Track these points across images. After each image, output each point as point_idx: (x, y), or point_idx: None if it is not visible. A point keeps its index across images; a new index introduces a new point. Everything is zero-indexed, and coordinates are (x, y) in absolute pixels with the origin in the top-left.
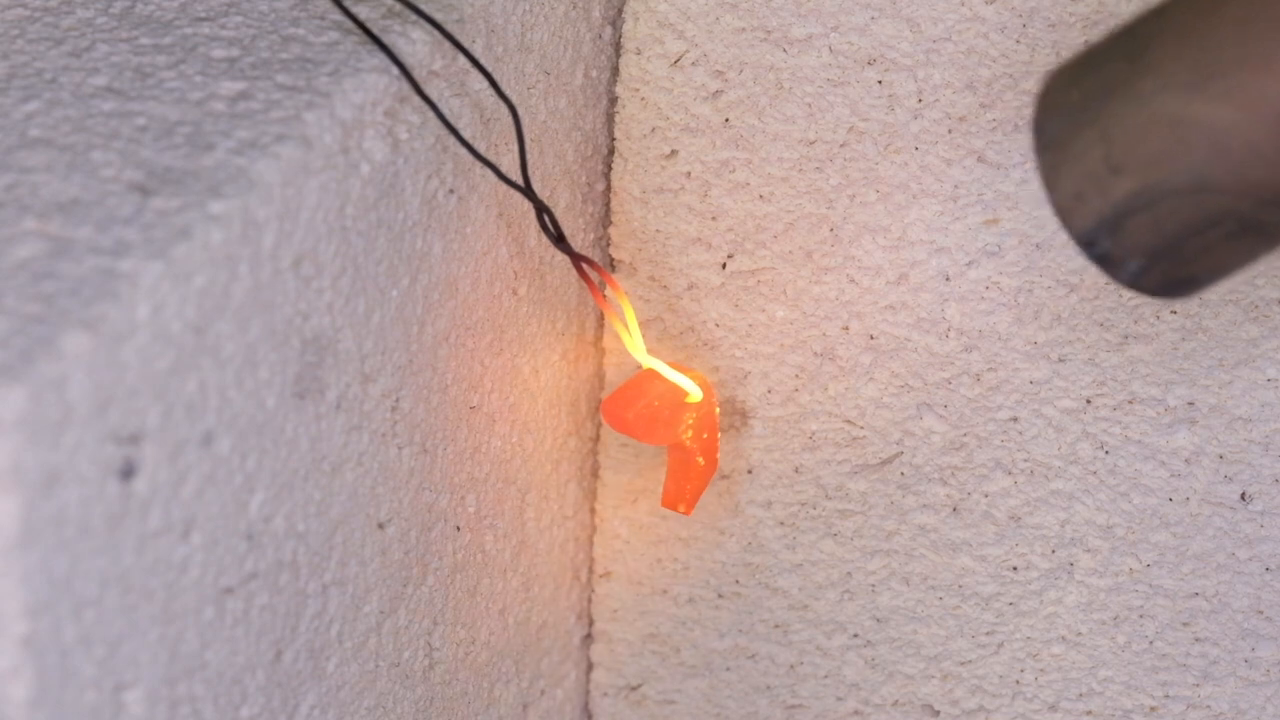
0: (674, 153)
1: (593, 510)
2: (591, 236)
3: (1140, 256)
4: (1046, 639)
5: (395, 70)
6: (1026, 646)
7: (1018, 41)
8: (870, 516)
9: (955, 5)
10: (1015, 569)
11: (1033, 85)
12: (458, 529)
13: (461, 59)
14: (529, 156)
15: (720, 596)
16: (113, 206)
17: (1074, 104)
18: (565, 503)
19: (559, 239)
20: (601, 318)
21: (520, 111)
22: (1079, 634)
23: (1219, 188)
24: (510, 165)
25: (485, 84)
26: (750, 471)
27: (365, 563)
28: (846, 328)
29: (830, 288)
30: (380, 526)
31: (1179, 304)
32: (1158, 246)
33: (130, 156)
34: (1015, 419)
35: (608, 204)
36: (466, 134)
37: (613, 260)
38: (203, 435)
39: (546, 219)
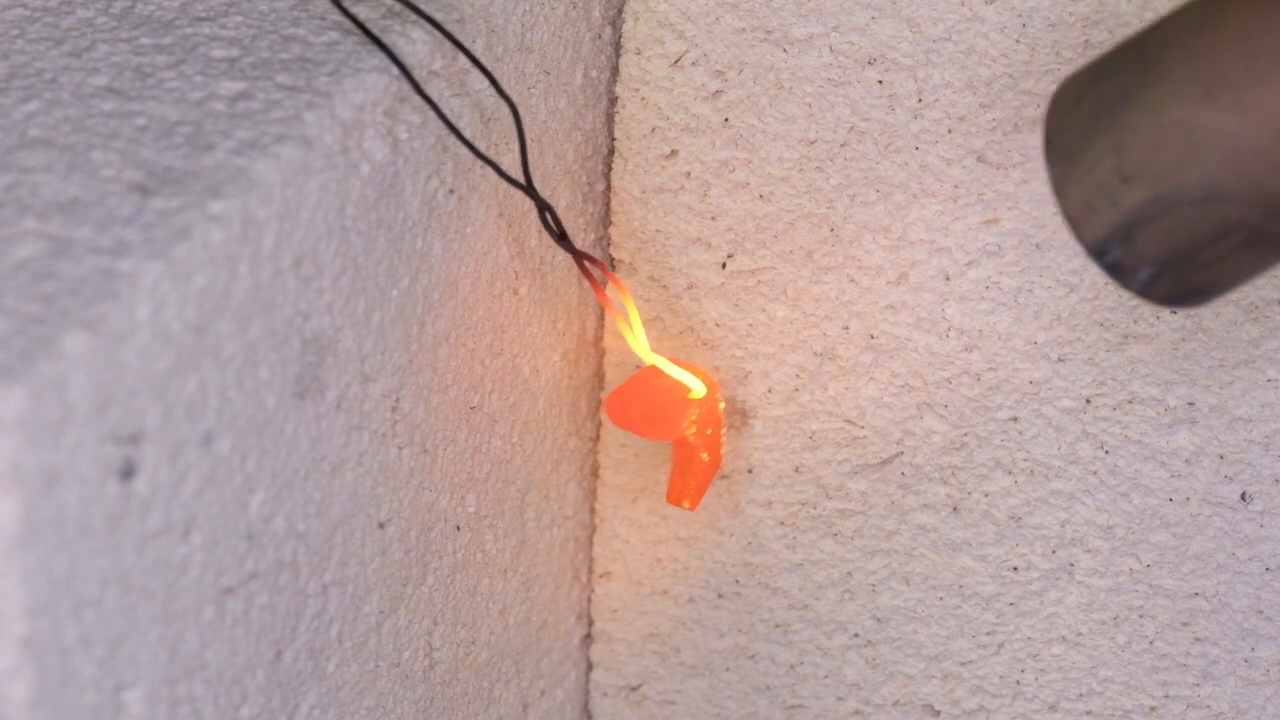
0: (674, 153)
1: (593, 510)
2: (592, 236)
3: (1151, 266)
4: (1047, 639)
5: (395, 70)
6: (1027, 646)
7: (1018, 41)
8: (870, 516)
9: (955, 5)
10: (1016, 569)
11: (1033, 85)
12: (458, 529)
13: (461, 59)
14: (529, 156)
15: (720, 596)
16: (113, 206)
17: (1085, 114)
18: (565, 503)
19: (561, 237)
20: (602, 317)
21: (520, 111)
22: (1079, 634)
23: (1230, 198)
24: (510, 165)
25: (485, 84)
26: (750, 471)
27: (365, 563)
28: (847, 327)
29: (830, 287)
30: (380, 526)
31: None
32: (1168, 256)
33: (130, 156)
34: (1015, 419)
35: (608, 204)
36: (467, 134)
37: (613, 260)
38: (203, 435)
39: (549, 217)
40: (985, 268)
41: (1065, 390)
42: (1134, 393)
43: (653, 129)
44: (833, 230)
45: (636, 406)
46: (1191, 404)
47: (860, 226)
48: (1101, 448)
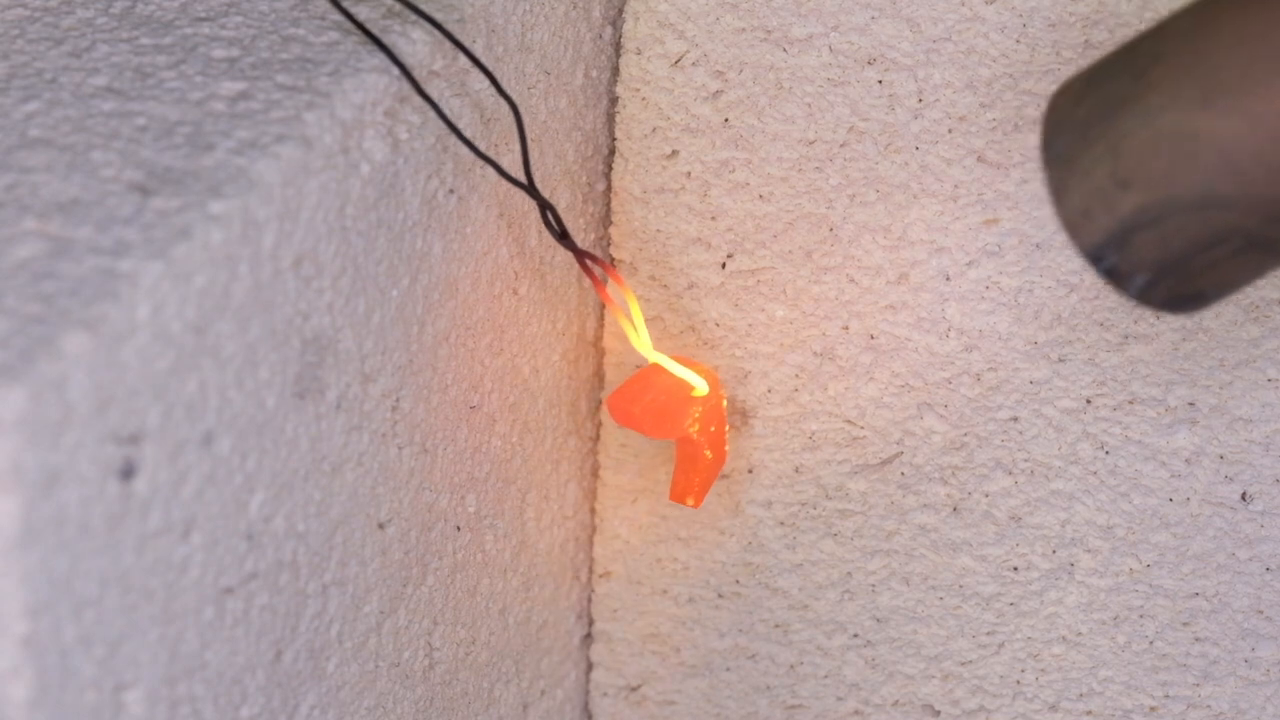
0: (674, 153)
1: (593, 510)
2: (592, 236)
3: (1147, 271)
4: (1047, 639)
5: (395, 70)
6: (1027, 646)
7: (1018, 41)
8: (870, 516)
9: (955, 5)
10: (1016, 569)
11: (1033, 85)
12: (458, 529)
13: (462, 59)
14: (529, 156)
15: (720, 596)
16: (113, 206)
17: (1081, 120)
18: (565, 503)
19: (562, 235)
20: (602, 318)
21: (521, 110)
22: (1079, 634)
23: (1226, 203)
24: (510, 165)
25: (485, 84)
26: (750, 471)
27: (365, 563)
28: (846, 327)
29: (830, 287)
30: (380, 526)
31: None
32: (1165, 262)
33: (130, 156)
34: (1015, 419)
35: (608, 204)
36: (467, 134)
37: (613, 260)
38: (203, 435)
39: (550, 216)
40: (985, 268)
41: (1065, 390)
42: (1134, 393)
43: (653, 129)
44: (832, 230)
45: (639, 405)
46: (1192, 404)
47: (860, 226)
48: (1102, 448)
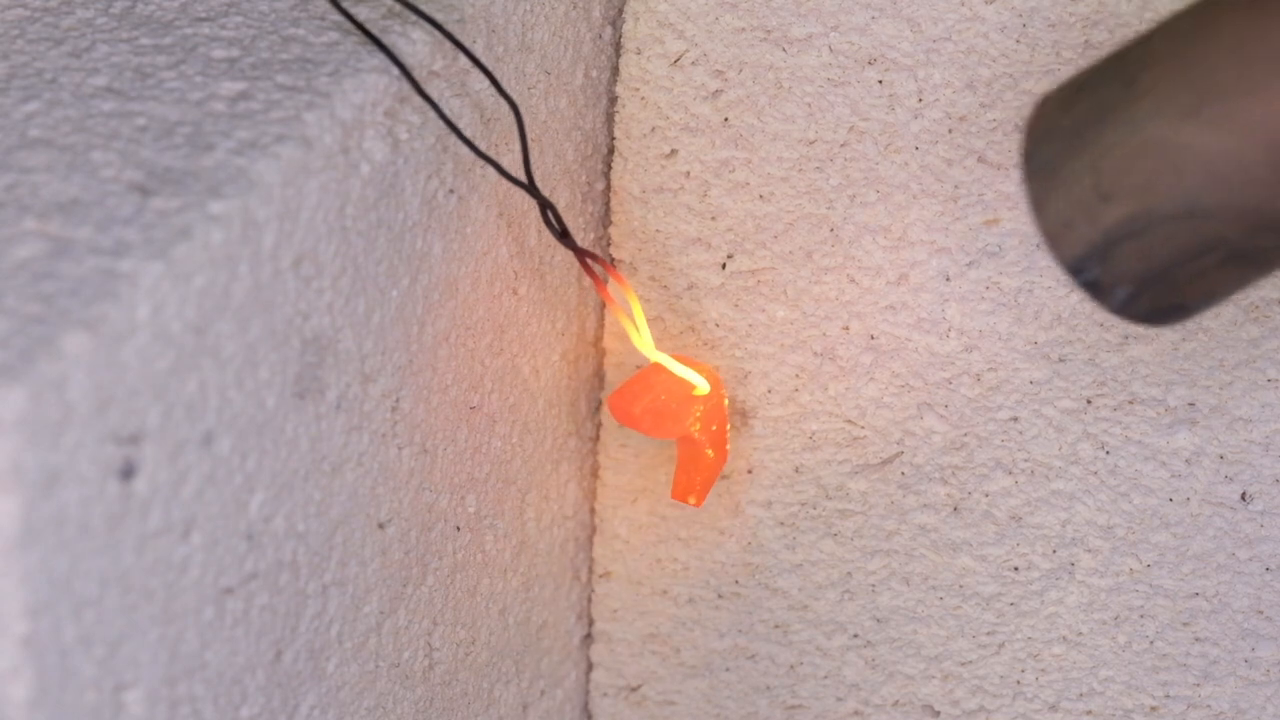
0: (674, 152)
1: (593, 510)
2: (591, 236)
3: (1129, 284)
4: (1047, 639)
5: (395, 70)
6: (1027, 646)
7: (1018, 41)
8: (870, 516)
9: (955, 5)
10: (1016, 569)
11: (1033, 85)
12: (458, 529)
13: (462, 59)
14: (530, 156)
15: (720, 596)
16: (113, 206)
17: (1064, 130)
18: (565, 503)
19: (563, 234)
20: (602, 318)
21: (521, 110)
22: (1080, 634)
23: (1211, 214)
24: (510, 165)
25: (486, 84)
26: (750, 471)
27: (365, 563)
28: (847, 328)
29: (830, 288)
30: (380, 526)
31: None
32: (1147, 274)
33: (130, 156)
34: (1015, 419)
35: (608, 203)
36: (467, 134)
37: (613, 260)
38: (203, 435)
39: (550, 215)
40: (985, 268)
41: (1066, 390)
42: (1134, 393)
43: (653, 129)
44: (833, 230)
45: (640, 405)
46: (1192, 404)
47: (860, 227)
48: (1102, 448)
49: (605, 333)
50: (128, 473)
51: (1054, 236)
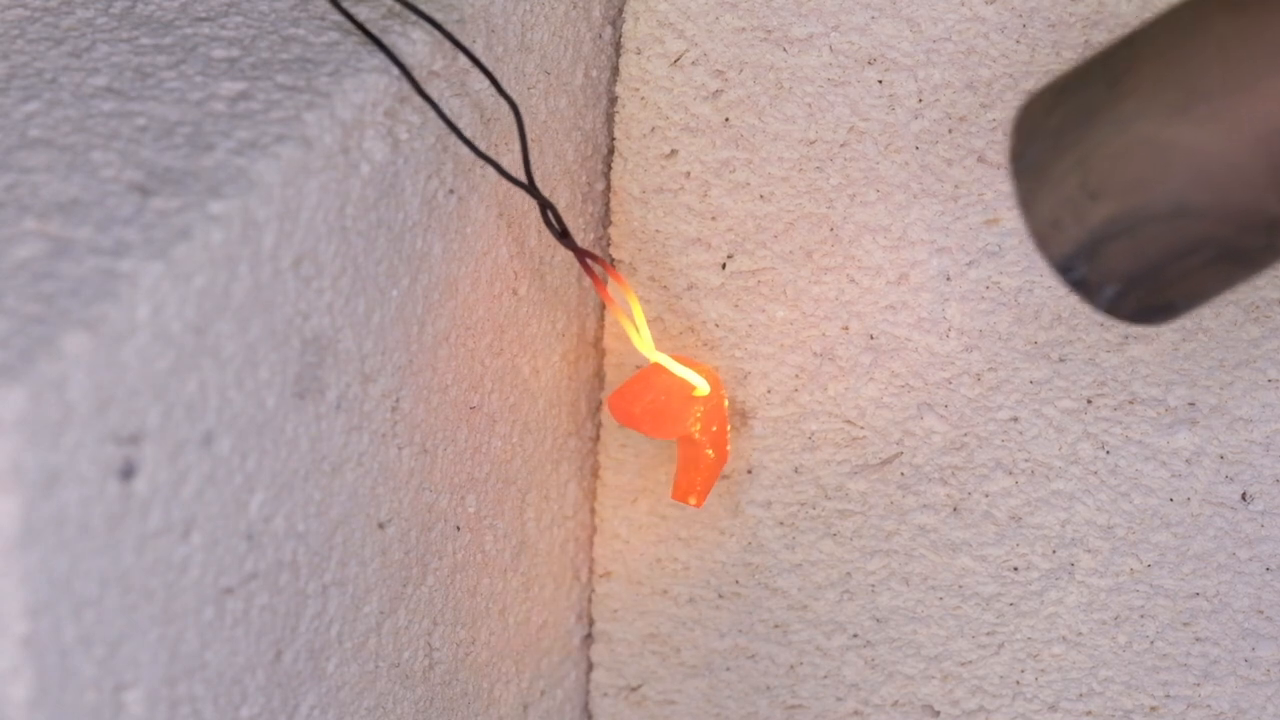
0: (674, 152)
1: (593, 510)
2: (591, 236)
3: (1117, 282)
4: (1047, 639)
5: (395, 70)
6: (1027, 647)
7: (1018, 41)
8: (870, 516)
9: (955, 5)
10: (1016, 569)
11: (1033, 85)
12: (458, 529)
13: (462, 59)
14: (529, 156)
15: (720, 596)
16: (113, 206)
17: (1052, 129)
18: (565, 503)
19: (563, 235)
20: (602, 318)
21: (521, 110)
22: (1079, 634)
23: (1199, 213)
24: (510, 165)
25: (485, 84)
26: (750, 471)
27: (365, 563)
28: (846, 328)
29: (830, 288)
30: (380, 526)
31: None
32: (1135, 272)
33: (130, 156)
34: (1016, 419)
35: (608, 204)
36: (467, 134)
37: (613, 260)
38: (203, 435)
39: (550, 215)
40: (985, 268)
41: (1066, 390)
42: (1135, 393)
43: (653, 129)
44: (833, 230)
45: (640, 405)
46: (1192, 404)
47: (860, 226)
48: (1102, 448)
49: (605, 333)
50: (128, 473)
51: (1042, 235)
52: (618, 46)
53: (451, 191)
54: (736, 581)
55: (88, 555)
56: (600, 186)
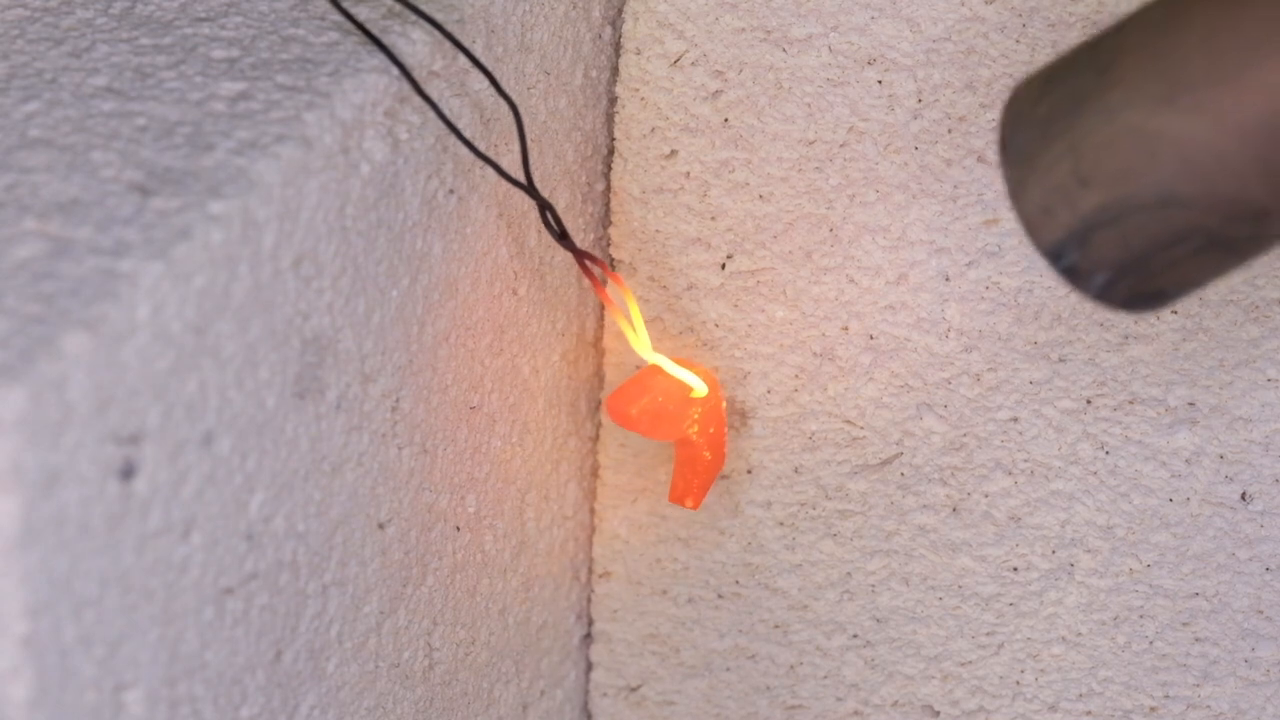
0: (674, 153)
1: (592, 510)
2: (591, 236)
3: (1107, 270)
4: (1047, 639)
5: (395, 70)
6: (1027, 647)
7: (1018, 41)
8: (870, 517)
9: (955, 5)
10: (1015, 569)
11: None
12: (457, 529)
13: (461, 59)
14: (529, 156)
15: (720, 597)
16: (113, 206)
17: (1041, 117)
18: (565, 503)
19: (562, 236)
20: (601, 318)
21: (521, 111)
22: (1079, 634)
23: (1187, 202)
24: (510, 165)
25: (485, 84)
26: (750, 471)
27: (365, 563)
28: (846, 328)
29: (830, 288)
30: (380, 527)
31: (1179, 304)
32: (1125, 261)
33: (130, 156)
34: (1015, 419)
35: (607, 204)
36: (467, 134)
37: (613, 260)
38: (203, 435)
39: (549, 216)
40: (985, 268)
41: (1065, 390)
42: (1134, 393)
43: (652, 129)
44: (832, 230)
45: (638, 406)
46: (1192, 404)
47: (860, 227)
48: (1102, 448)
49: (605, 333)
50: (128, 473)
51: (1033, 222)
52: (617, 47)
53: (451, 191)
54: (736, 581)
55: (88, 555)
56: (600, 187)
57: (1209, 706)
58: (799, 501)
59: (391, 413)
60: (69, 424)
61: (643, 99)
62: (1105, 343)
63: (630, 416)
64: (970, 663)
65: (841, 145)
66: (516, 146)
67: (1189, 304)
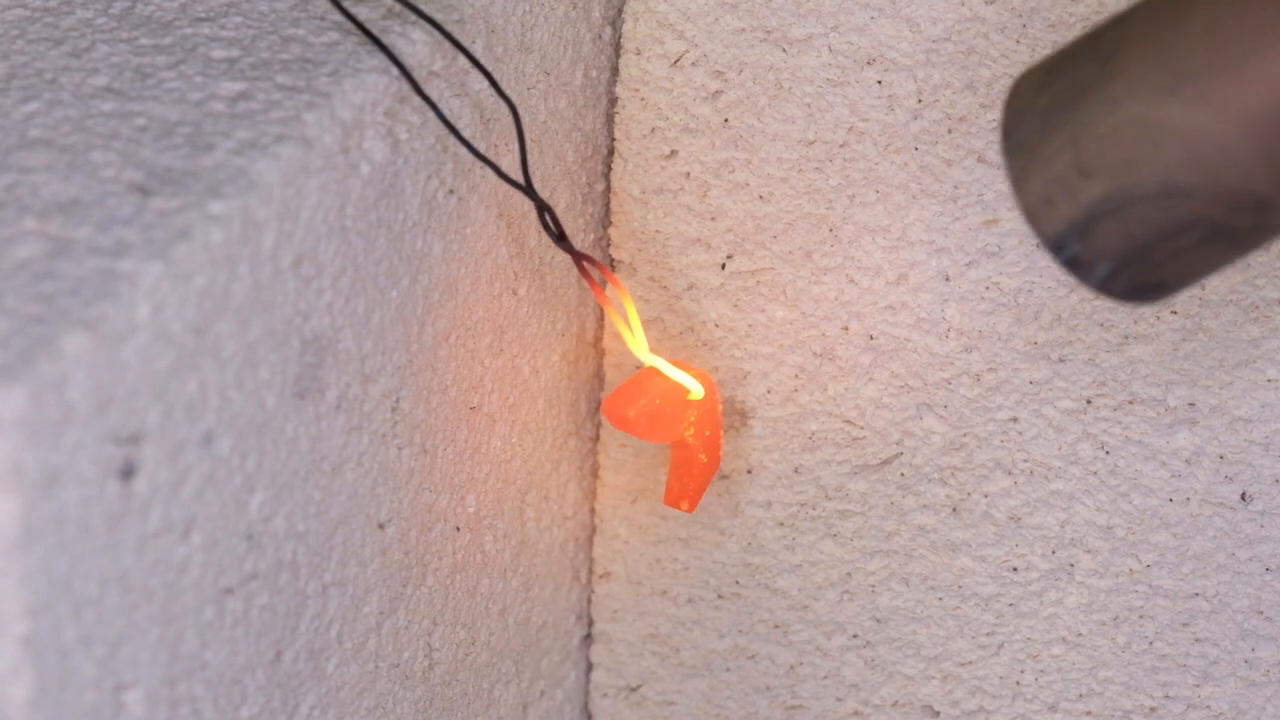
0: (674, 153)
1: (592, 511)
2: (591, 237)
3: (1109, 261)
4: (1046, 640)
5: (395, 71)
6: (1026, 647)
7: (1018, 41)
8: (870, 517)
9: (955, 5)
10: (1015, 570)
11: None
12: (457, 529)
13: (461, 59)
14: (529, 157)
15: (720, 597)
16: (113, 206)
17: (1043, 108)
18: (565, 503)
19: (560, 237)
20: (601, 318)
21: (520, 111)
22: (1079, 635)
23: (1189, 192)
24: (510, 165)
25: (485, 84)
26: (750, 472)
27: (365, 563)
28: (846, 328)
29: (830, 288)
30: (380, 527)
31: (1179, 304)
32: (1127, 251)
33: (130, 156)
34: (1015, 419)
35: (607, 204)
36: (466, 134)
37: (613, 260)
38: (203, 435)
39: (548, 217)
40: (985, 268)
41: (1065, 391)
42: (1134, 393)
43: (652, 129)
44: (832, 231)
45: (635, 408)
46: (1192, 404)
47: (860, 227)
48: (1102, 448)
49: (605, 333)
50: (128, 473)
51: (1035, 213)
52: (617, 47)
53: (451, 192)
54: (736, 582)
55: (88, 555)
56: (600, 187)
57: (1209, 707)
58: (799, 502)
59: (391, 413)
60: (69, 424)
61: (643, 99)
62: (1105, 343)
63: (627, 419)
64: (970, 663)
65: (841, 145)
66: (516, 147)
67: (1189, 304)
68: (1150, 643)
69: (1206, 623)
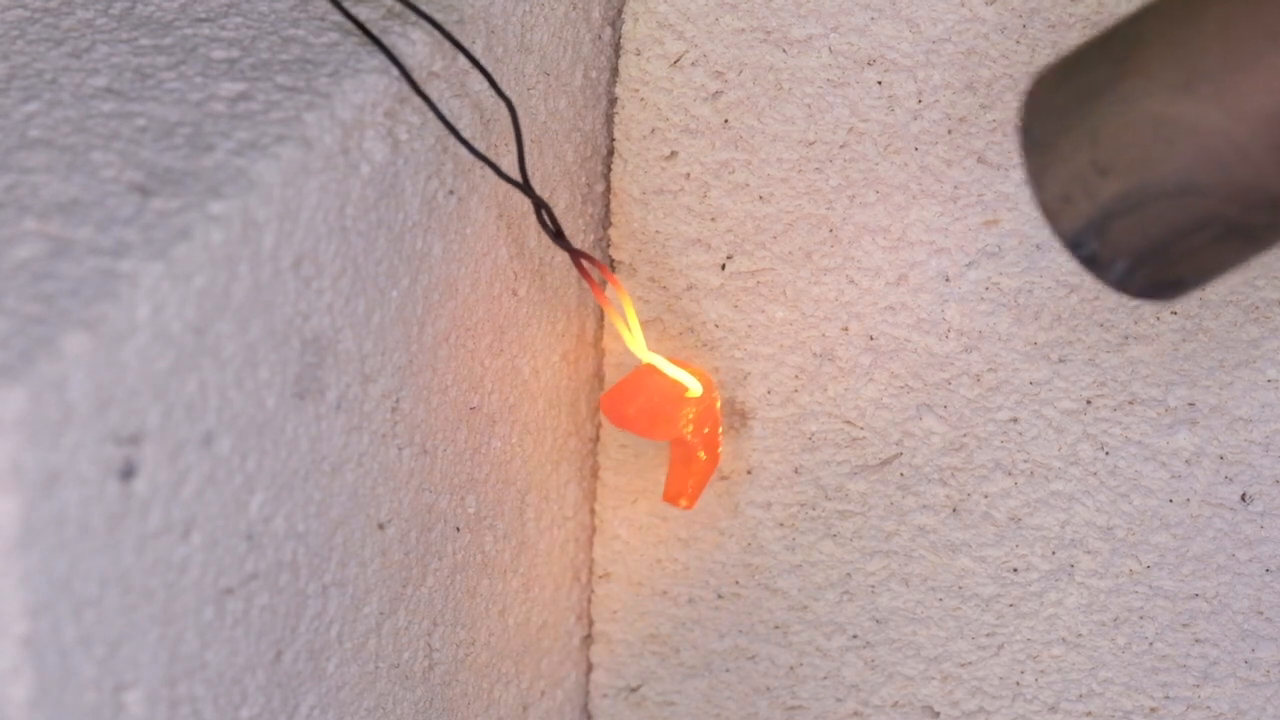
0: (673, 154)
1: (592, 511)
2: (591, 237)
3: (1127, 258)
4: (1047, 640)
5: (395, 71)
6: (1026, 648)
7: (1018, 42)
8: (870, 517)
9: (955, 5)
10: (1015, 570)
11: None
12: (457, 530)
13: (461, 60)
14: (528, 157)
15: (720, 597)
16: (113, 207)
17: (1060, 106)
18: (565, 504)
19: (557, 235)
20: (601, 318)
21: (519, 111)
22: (1079, 635)
23: (1205, 190)
24: (509, 166)
25: (485, 85)
26: (750, 472)
27: (365, 563)
28: (846, 328)
29: (830, 288)
30: (380, 527)
31: (1179, 304)
32: (1144, 249)
33: (130, 157)
34: (1015, 420)
35: (607, 205)
36: (466, 134)
37: (613, 261)
38: (203, 435)
39: (545, 215)
40: (985, 269)
41: (1065, 391)
42: (1134, 393)
43: (652, 130)
44: (832, 231)
45: (633, 405)
46: (1192, 404)
47: (860, 227)
48: (1102, 449)
49: (605, 333)
50: (128, 473)
51: (1052, 210)
52: (617, 48)
53: (451, 192)
54: (736, 582)
55: (88, 555)
56: (600, 188)
57: (1209, 707)
58: (799, 502)
59: (391, 413)
60: (69, 424)
61: (643, 100)
62: (1105, 343)
63: (627, 416)
64: (970, 663)
65: (841, 146)
66: (515, 147)
67: (1189, 304)
68: (1150, 643)
69: (1206, 623)
